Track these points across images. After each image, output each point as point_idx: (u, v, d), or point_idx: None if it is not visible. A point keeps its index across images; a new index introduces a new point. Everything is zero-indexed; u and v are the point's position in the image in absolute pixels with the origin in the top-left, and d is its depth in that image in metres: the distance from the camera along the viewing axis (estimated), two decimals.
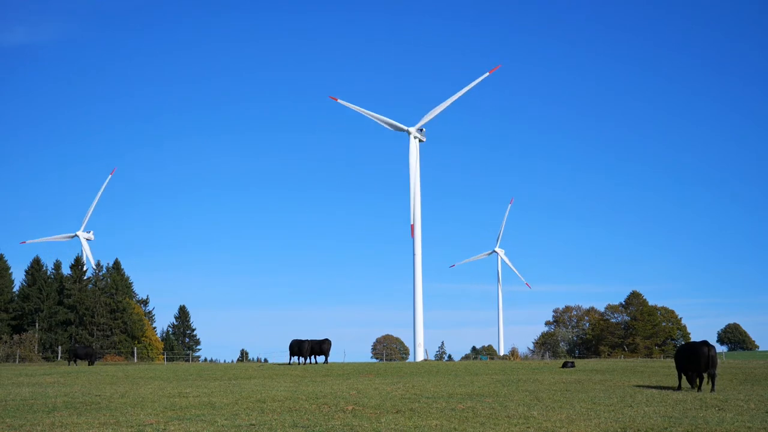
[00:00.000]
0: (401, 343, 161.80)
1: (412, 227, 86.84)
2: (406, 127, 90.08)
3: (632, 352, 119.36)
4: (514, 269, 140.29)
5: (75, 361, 62.98)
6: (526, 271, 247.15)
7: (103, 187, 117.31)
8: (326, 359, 54.38)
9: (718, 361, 54.38)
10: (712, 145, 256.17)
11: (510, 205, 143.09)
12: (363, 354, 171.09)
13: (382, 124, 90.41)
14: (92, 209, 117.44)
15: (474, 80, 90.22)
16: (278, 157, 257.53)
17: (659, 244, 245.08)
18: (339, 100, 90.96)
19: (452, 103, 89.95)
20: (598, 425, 16.70)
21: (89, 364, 61.58)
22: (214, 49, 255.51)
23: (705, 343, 26.16)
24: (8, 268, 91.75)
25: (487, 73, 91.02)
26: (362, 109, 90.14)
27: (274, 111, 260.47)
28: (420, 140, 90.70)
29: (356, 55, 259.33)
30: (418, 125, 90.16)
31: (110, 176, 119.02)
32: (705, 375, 26.44)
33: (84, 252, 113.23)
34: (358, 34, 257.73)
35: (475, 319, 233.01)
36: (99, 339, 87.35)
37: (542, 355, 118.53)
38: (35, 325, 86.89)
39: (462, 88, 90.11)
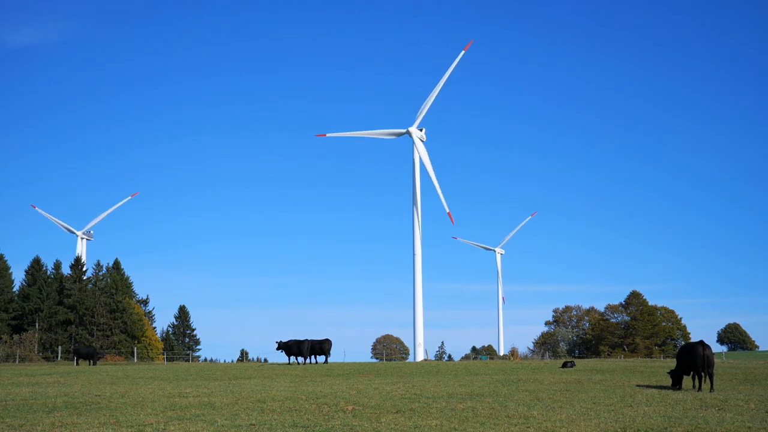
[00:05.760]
0: (401, 343, 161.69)
1: (449, 215, 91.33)
2: (405, 129, 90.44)
3: (632, 352, 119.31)
4: (499, 275, 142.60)
5: (77, 362, 63.06)
6: (526, 271, 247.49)
7: (120, 203, 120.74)
8: (326, 359, 54.42)
9: (717, 360, 54.77)
10: (712, 145, 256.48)
11: (530, 217, 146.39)
12: (363, 354, 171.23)
13: (381, 137, 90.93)
14: (100, 218, 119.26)
15: (452, 64, 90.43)
16: (278, 157, 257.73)
17: (659, 244, 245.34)
18: (327, 135, 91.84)
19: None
20: (598, 425, 16.70)
21: (92, 364, 61.66)
22: (215, 49, 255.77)
23: (701, 342, 26.31)
24: (8, 268, 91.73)
25: (462, 51, 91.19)
26: (356, 133, 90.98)
27: (274, 111, 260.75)
28: (420, 139, 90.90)
29: (356, 54, 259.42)
30: (416, 123, 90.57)
31: (130, 197, 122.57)
32: (704, 375, 26.52)
33: (79, 251, 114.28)
34: (358, 33, 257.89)
35: (475, 319, 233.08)
36: (99, 339, 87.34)
37: (542, 355, 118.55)
38: (35, 325, 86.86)
39: (446, 77, 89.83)
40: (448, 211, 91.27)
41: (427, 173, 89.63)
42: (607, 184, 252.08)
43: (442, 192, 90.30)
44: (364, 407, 20.17)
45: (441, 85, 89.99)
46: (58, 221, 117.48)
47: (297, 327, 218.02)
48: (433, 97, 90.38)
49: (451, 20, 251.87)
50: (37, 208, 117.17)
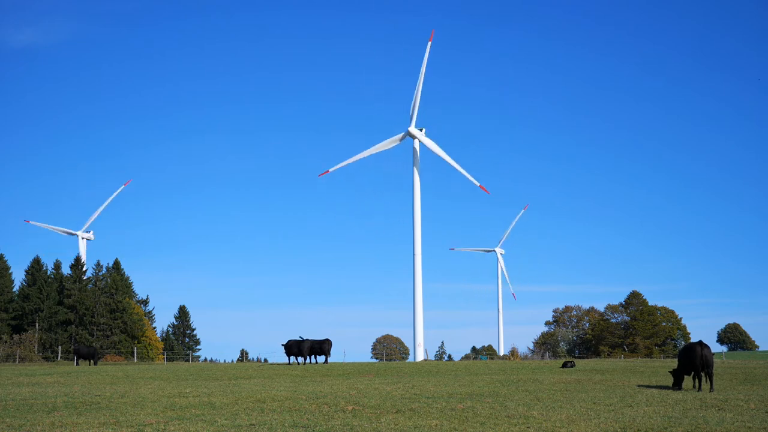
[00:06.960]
0: (401, 343, 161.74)
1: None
2: (404, 132, 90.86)
3: (632, 352, 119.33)
4: (506, 275, 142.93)
5: (77, 362, 63.09)
6: (527, 271, 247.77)
7: (115, 194, 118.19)
8: (326, 359, 54.43)
9: (717, 361, 54.73)
10: (712, 145, 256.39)
11: (523, 211, 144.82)
12: (363, 354, 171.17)
13: (385, 148, 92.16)
14: (98, 213, 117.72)
15: (423, 59, 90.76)
16: (278, 157, 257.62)
17: (659, 244, 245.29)
18: (330, 171, 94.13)
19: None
20: (598, 425, 16.70)
21: (92, 364, 61.68)
22: (215, 49, 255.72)
23: (700, 342, 26.38)
24: (8, 268, 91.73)
25: (429, 42, 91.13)
26: (357, 156, 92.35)
27: (274, 111, 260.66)
28: (420, 140, 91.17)
29: (355, 53, 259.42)
30: (413, 123, 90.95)
31: (124, 186, 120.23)
32: (703, 375, 26.56)
33: (80, 251, 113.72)
34: (357, 32, 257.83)
35: (475, 319, 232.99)
36: (99, 339, 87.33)
37: (542, 355, 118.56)
38: (35, 325, 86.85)
39: (422, 73, 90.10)
40: (479, 184, 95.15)
41: (444, 161, 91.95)
42: (607, 184, 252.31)
43: (464, 168, 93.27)
44: (364, 407, 20.17)
45: (421, 82, 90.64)
46: (56, 228, 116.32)
47: (297, 327, 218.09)
48: (419, 94, 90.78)
49: (451, 19, 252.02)
50: (31, 222, 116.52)
